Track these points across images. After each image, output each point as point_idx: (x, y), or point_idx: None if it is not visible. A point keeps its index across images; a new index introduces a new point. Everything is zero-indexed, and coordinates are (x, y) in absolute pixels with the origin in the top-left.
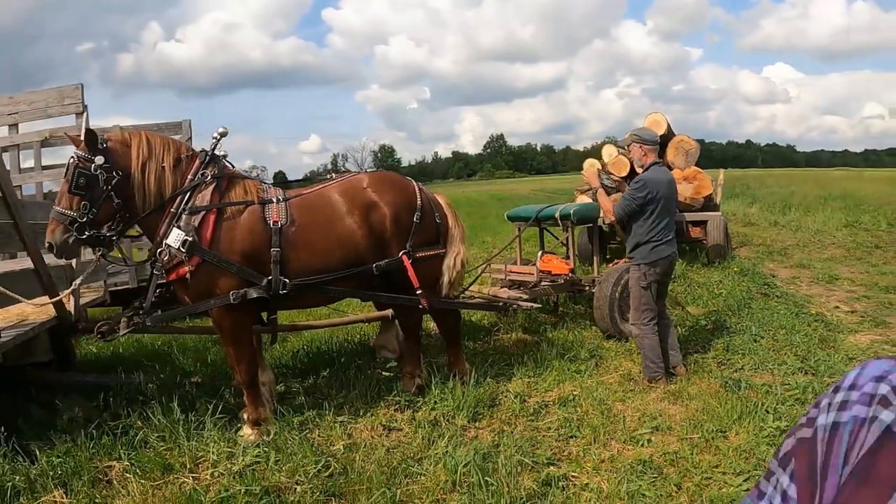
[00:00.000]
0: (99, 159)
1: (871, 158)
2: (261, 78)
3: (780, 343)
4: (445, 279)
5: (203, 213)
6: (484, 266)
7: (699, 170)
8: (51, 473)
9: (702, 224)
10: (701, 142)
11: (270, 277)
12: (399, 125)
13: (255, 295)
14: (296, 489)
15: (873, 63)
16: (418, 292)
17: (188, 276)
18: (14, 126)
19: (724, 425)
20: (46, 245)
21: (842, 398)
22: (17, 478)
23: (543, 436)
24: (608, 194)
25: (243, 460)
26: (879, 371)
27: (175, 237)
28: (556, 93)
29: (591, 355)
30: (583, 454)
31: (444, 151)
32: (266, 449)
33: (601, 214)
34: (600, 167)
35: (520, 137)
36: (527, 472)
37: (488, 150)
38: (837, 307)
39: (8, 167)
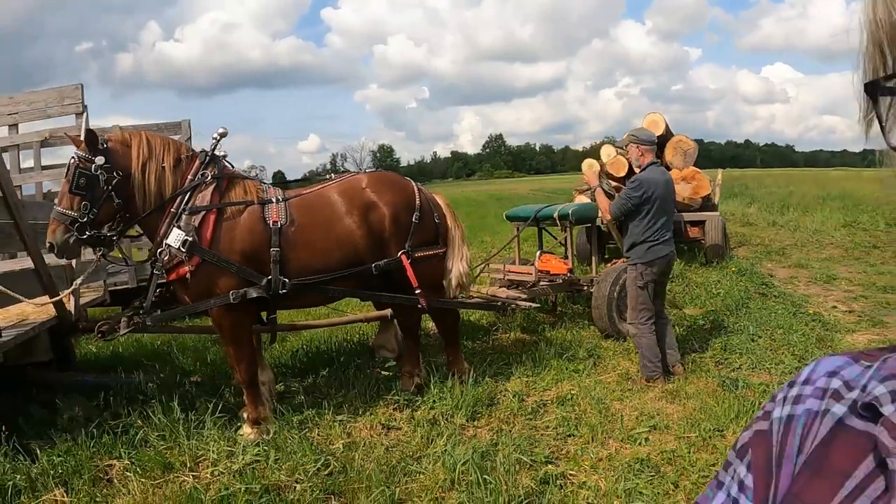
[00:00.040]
0: (99, 160)
1: (870, 158)
2: (260, 78)
3: (777, 342)
4: (455, 283)
5: (203, 213)
6: (482, 266)
7: (697, 170)
8: (51, 472)
9: (700, 224)
10: (700, 142)
11: (270, 277)
12: (398, 125)
13: (254, 294)
14: (295, 487)
15: None
16: (417, 292)
17: (188, 275)
18: (14, 126)
19: (721, 424)
20: (47, 245)
21: (796, 392)
22: (18, 476)
23: (542, 434)
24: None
25: (243, 459)
26: (832, 367)
27: (175, 237)
28: (555, 92)
29: (590, 355)
30: (581, 453)
31: (443, 151)
32: (266, 448)
33: (599, 214)
34: (599, 169)
35: (519, 137)
36: (525, 471)
37: (487, 150)
38: (835, 307)
39: (8, 167)
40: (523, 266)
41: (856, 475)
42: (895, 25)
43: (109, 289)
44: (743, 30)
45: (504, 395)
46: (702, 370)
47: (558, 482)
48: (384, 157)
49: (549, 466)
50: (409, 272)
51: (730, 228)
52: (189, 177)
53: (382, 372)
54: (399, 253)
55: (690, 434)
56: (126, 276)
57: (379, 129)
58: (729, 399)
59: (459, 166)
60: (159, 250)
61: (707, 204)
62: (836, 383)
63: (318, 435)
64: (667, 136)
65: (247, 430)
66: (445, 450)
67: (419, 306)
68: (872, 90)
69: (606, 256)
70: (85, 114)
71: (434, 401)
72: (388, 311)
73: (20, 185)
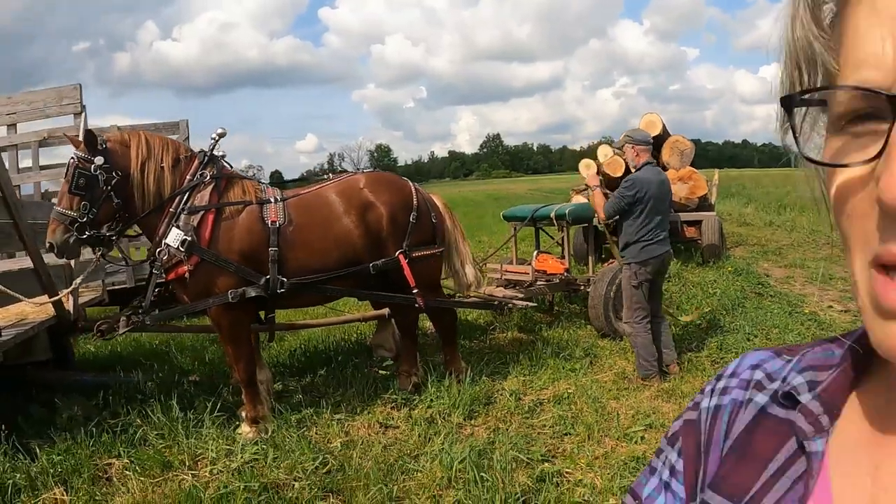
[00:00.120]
0: (98, 160)
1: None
2: (257, 77)
3: (773, 342)
4: (472, 284)
5: (202, 212)
6: (480, 265)
7: (694, 170)
8: (51, 471)
9: (697, 224)
10: (697, 141)
11: (268, 276)
12: (395, 124)
13: (253, 294)
14: (294, 486)
15: None
16: (414, 291)
17: (187, 275)
18: (12, 126)
19: None
20: (47, 245)
21: (723, 385)
22: (18, 475)
23: (538, 433)
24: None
25: (242, 457)
26: (756, 360)
27: (174, 237)
28: (552, 92)
29: (586, 354)
30: (577, 451)
31: (441, 151)
32: (264, 446)
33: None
34: (597, 169)
35: (516, 137)
36: (522, 469)
37: (485, 150)
38: (831, 306)
39: (6, 167)
40: (520, 266)
41: (777, 458)
42: (811, 44)
43: (108, 288)
44: (740, 30)
45: (501, 394)
46: (697, 369)
47: (555, 480)
48: (381, 157)
49: (546, 464)
50: (407, 272)
51: (726, 228)
52: (188, 177)
53: (380, 371)
54: (396, 253)
55: None
56: (124, 275)
57: (376, 128)
58: None
59: (457, 166)
60: (158, 250)
61: (704, 204)
62: (759, 375)
63: (317, 433)
64: (664, 136)
65: (245, 429)
66: (443, 448)
67: (416, 306)
68: (788, 103)
69: (603, 256)
70: (83, 114)
71: (431, 400)
72: (386, 311)
73: (19, 185)
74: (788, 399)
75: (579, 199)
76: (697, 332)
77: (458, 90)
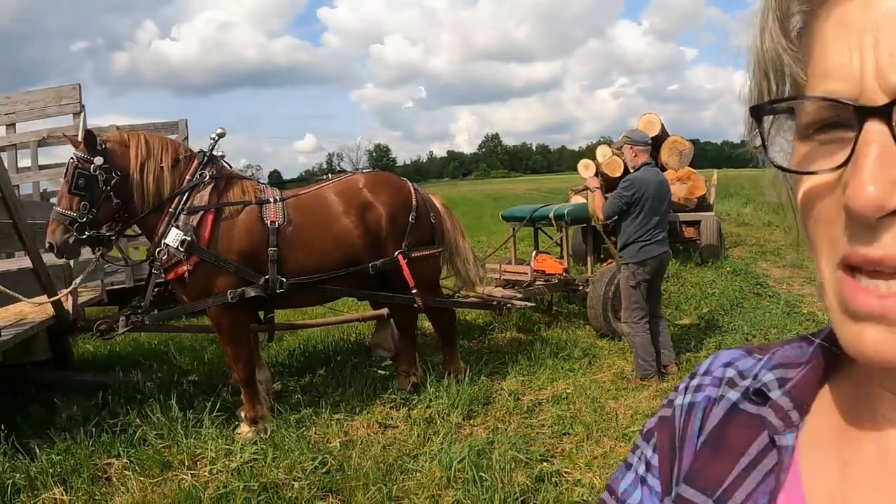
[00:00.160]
0: (98, 160)
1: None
2: (256, 77)
3: (771, 342)
4: (474, 281)
5: (201, 212)
6: (479, 264)
7: (693, 170)
8: (50, 471)
9: (695, 224)
10: (696, 142)
11: (268, 277)
12: (394, 124)
13: (252, 294)
14: (293, 485)
15: None
16: (413, 291)
17: (186, 275)
18: (11, 126)
19: None
20: (47, 245)
21: (697, 382)
22: (18, 475)
23: (537, 433)
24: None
25: (241, 457)
26: (728, 359)
27: (173, 237)
28: (551, 92)
29: (585, 354)
30: (576, 451)
31: (440, 151)
32: (264, 446)
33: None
34: (596, 169)
35: (515, 137)
36: (520, 469)
37: (483, 150)
38: None
39: (5, 167)
40: (519, 266)
41: (749, 452)
42: (780, 56)
43: (107, 288)
44: (740, 30)
45: (500, 394)
46: None
47: (553, 480)
48: (380, 157)
49: (545, 464)
50: (406, 272)
51: (725, 228)
52: (187, 177)
53: (379, 371)
54: (396, 253)
55: None
56: (123, 275)
57: (375, 128)
58: None
59: (455, 166)
60: (157, 250)
61: (702, 204)
62: (731, 372)
63: (316, 433)
64: (663, 136)
65: (244, 429)
66: (442, 448)
67: (415, 306)
68: (758, 112)
69: (602, 256)
70: (82, 113)
71: (430, 399)
72: (385, 311)
73: (17, 185)
74: (759, 395)
75: (578, 200)
76: (696, 333)
77: (456, 90)
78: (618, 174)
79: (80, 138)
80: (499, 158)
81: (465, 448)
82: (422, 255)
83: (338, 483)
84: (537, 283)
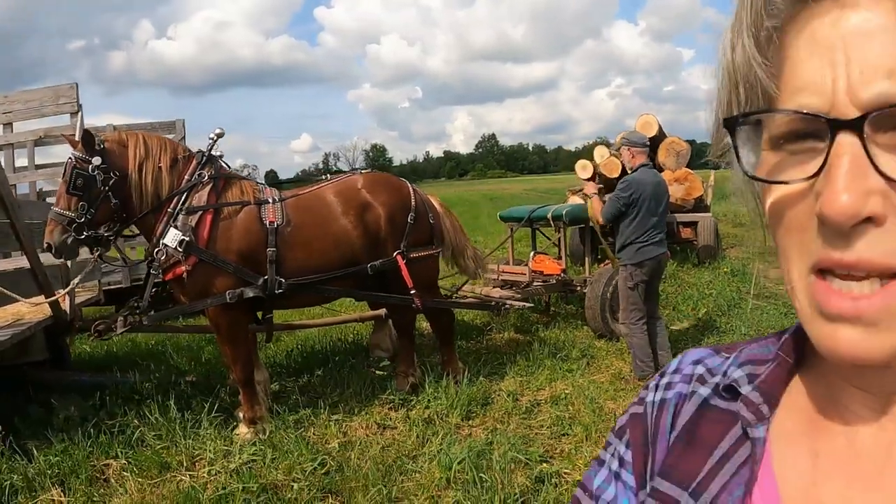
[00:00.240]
0: (96, 160)
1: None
2: (253, 76)
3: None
4: (473, 271)
5: (200, 213)
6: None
7: (690, 171)
8: (48, 472)
9: (692, 225)
10: (692, 142)
11: (266, 277)
12: (391, 124)
13: (251, 294)
14: (293, 486)
15: None
16: (412, 292)
17: (185, 275)
18: (8, 125)
19: None
20: (45, 245)
21: (667, 380)
22: (15, 476)
23: (536, 433)
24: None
25: (240, 458)
26: (697, 357)
27: (172, 237)
28: (547, 93)
29: (583, 355)
30: (575, 451)
31: (436, 151)
32: (262, 447)
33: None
34: (593, 170)
35: (511, 137)
36: (520, 469)
37: (480, 150)
38: None
39: (3, 166)
40: (517, 266)
41: (721, 446)
42: (752, 69)
43: (104, 288)
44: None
45: (498, 395)
46: None
47: (553, 480)
48: (377, 157)
49: (544, 465)
50: (405, 272)
51: (722, 229)
52: (186, 177)
53: (377, 371)
54: (394, 253)
55: None
56: (120, 275)
57: (372, 128)
58: None
59: (452, 166)
60: (156, 250)
61: (699, 205)
62: (700, 370)
63: (314, 434)
64: (660, 137)
65: (243, 430)
66: (441, 449)
67: (414, 306)
68: (731, 124)
69: (599, 257)
70: (80, 113)
71: (429, 400)
72: (383, 311)
73: (14, 185)
74: (729, 391)
75: (576, 200)
76: (693, 333)
77: (453, 90)
78: (615, 175)
79: (77, 138)
80: (495, 159)
81: (465, 449)
82: (420, 255)
83: (337, 484)
84: (535, 283)
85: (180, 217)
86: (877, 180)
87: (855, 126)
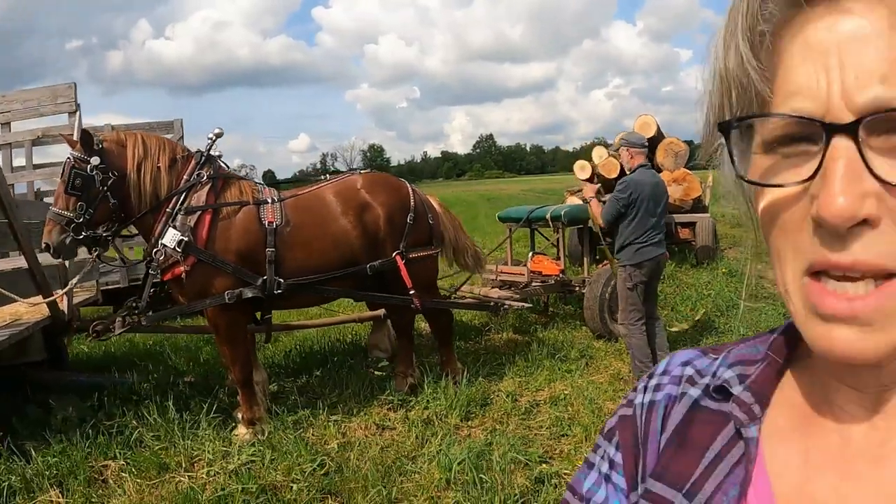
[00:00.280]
0: (95, 160)
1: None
2: (250, 76)
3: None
4: (478, 262)
5: (198, 213)
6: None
7: (688, 171)
8: (46, 473)
9: (691, 226)
10: (690, 143)
11: (265, 277)
12: (388, 124)
13: (250, 295)
14: (292, 487)
15: None
16: (411, 292)
17: (183, 275)
18: (6, 124)
19: None
20: (43, 245)
21: (656, 382)
22: (13, 477)
23: (535, 434)
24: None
25: (239, 459)
26: (685, 358)
27: (171, 237)
28: (545, 93)
29: (582, 355)
30: (574, 452)
31: (434, 151)
32: (261, 448)
33: (591, 220)
34: (592, 171)
35: (509, 137)
36: (520, 470)
37: (477, 150)
38: None
39: (0, 166)
40: (516, 267)
41: (714, 446)
42: (745, 73)
43: (101, 288)
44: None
45: (497, 396)
46: None
47: (553, 481)
48: (374, 157)
49: (544, 466)
50: (404, 273)
51: (720, 230)
52: (185, 177)
53: (376, 372)
54: (393, 254)
55: None
56: (118, 275)
57: (369, 128)
58: None
59: (450, 166)
60: (154, 250)
61: (698, 205)
62: (689, 371)
63: (313, 435)
64: (658, 137)
65: (242, 431)
66: (440, 449)
67: (413, 307)
68: (725, 128)
69: (598, 257)
70: (78, 112)
71: (428, 401)
72: (382, 311)
73: (12, 184)
74: (720, 392)
75: (574, 201)
76: (692, 334)
77: (451, 90)
78: (614, 175)
79: (76, 138)
80: (493, 159)
81: (464, 450)
82: (419, 255)
83: (336, 485)
84: (534, 284)
85: (179, 217)
86: (872, 183)
87: (850, 130)
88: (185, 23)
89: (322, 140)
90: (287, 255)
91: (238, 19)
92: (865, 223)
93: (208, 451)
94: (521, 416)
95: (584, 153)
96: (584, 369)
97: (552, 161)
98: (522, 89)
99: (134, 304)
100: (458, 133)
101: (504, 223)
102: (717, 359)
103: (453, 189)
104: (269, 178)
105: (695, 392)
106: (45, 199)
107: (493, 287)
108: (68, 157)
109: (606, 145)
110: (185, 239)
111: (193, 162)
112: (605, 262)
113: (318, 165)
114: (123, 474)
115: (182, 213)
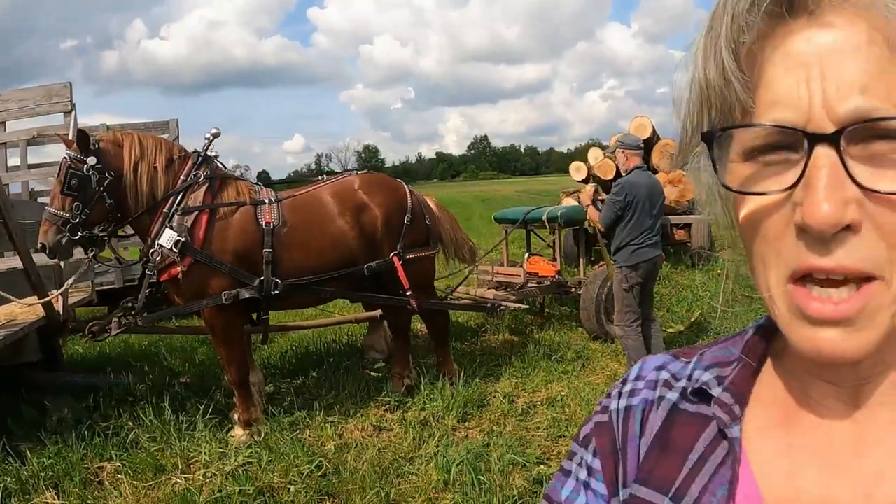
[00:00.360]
0: (91, 160)
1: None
2: (245, 76)
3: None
4: (473, 255)
5: (195, 213)
6: (471, 267)
7: (684, 173)
8: (42, 474)
9: (686, 227)
10: None
11: (262, 278)
12: (383, 125)
13: (247, 295)
14: (289, 489)
15: None
16: (408, 293)
17: (180, 276)
18: (1, 124)
19: None
20: (39, 246)
21: (630, 388)
22: (9, 479)
23: (533, 435)
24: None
25: (235, 460)
26: (659, 363)
27: (167, 237)
28: (540, 94)
29: (578, 356)
30: None
31: (428, 152)
32: (258, 449)
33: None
34: (595, 189)
35: (504, 138)
36: (518, 471)
37: (472, 151)
38: None
39: None
40: (512, 268)
41: (696, 449)
42: (726, 83)
43: (97, 289)
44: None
45: (494, 397)
46: None
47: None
48: (369, 158)
49: (541, 467)
50: (401, 273)
51: (715, 231)
52: (181, 177)
53: (372, 373)
54: (391, 254)
55: None
56: (113, 276)
57: (364, 129)
58: None
59: (444, 167)
60: (151, 251)
61: (693, 207)
62: (664, 375)
63: (310, 436)
64: (654, 139)
65: (238, 432)
66: (438, 451)
67: (409, 307)
68: (709, 137)
69: (593, 259)
70: (73, 112)
71: (425, 402)
72: (378, 312)
73: (7, 184)
74: (698, 395)
75: (569, 202)
76: (688, 335)
77: (446, 91)
78: (609, 177)
79: (72, 137)
80: (487, 160)
81: (462, 451)
82: (417, 256)
83: (334, 487)
84: (530, 285)
85: (176, 217)
86: (853, 190)
87: (832, 139)
88: (180, 22)
89: (317, 141)
90: (284, 255)
91: (233, 19)
92: (848, 228)
93: (205, 453)
94: (519, 418)
95: (579, 154)
96: (581, 370)
97: (547, 162)
98: (517, 90)
99: (130, 305)
100: (452, 134)
101: (500, 224)
102: (689, 362)
103: (448, 190)
104: (264, 179)
105: (672, 396)
106: (40, 199)
107: (489, 288)
108: (64, 157)
109: (602, 147)
110: (182, 239)
111: (190, 162)
112: (601, 263)
113: (313, 166)
114: (119, 476)
115: (179, 213)
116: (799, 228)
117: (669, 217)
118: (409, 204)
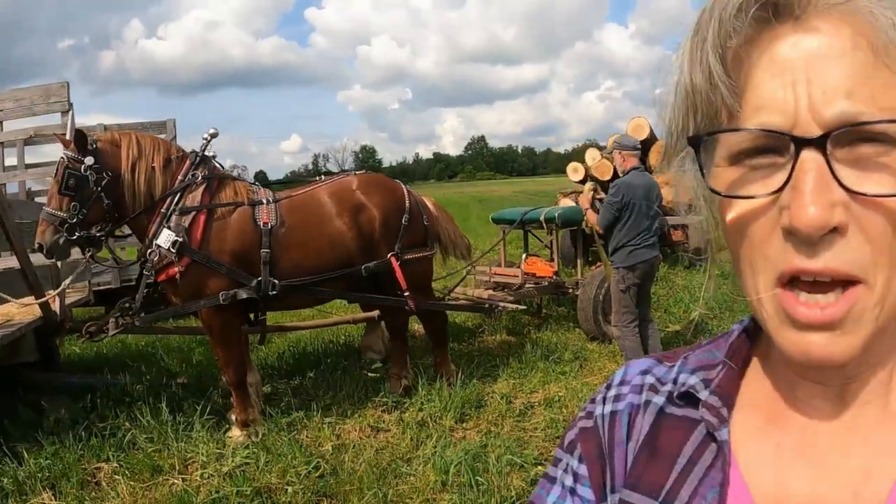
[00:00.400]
0: (89, 160)
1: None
2: (243, 76)
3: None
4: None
5: (193, 213)
6: (468, 268)
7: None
8: (39, 475)
9: (683, 227)
10: None
11: (260, 278)
12: (380, 126)
13: (244, 296)
14: (287, 490)
15: None
16: (405, 294)
17: (178, 276)
18: None
19: None
20: (37, 246)
21: (615, 392)
22: (6, 480)
23: (530, 436)
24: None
25: (233, 461)
26: (643, 367)
27: (165, 238)
28: (537, 95)
29: (576, 357)
30: None
31: (425, 153)
32: (255, 450)
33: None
34: (594, 188)
35: (501, 139)
36: (515, 472)
37: (469, 152)
38: None
39: None
40: (509, 268)
41: (685, 452)
42: (714, 87)
43: (94, 289)
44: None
45: (492, 397)
46: None
47: None
48: (366, 158)
49: (539, 468)
50: (398, 274)
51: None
52: (179, 177)
53: (370, 374)
54: (388, 255)
55: None
56: (110, 276)
57: (362, 129)
58: None
59: (441, 168)
60: (149, 251)
61: (690, 208)
62: (650, 379)
63: (308, 437)
64: (651, 140)
65: (236, 433)
66: (435, 451)
67: (407, 308)
68: (696, 141)
69: (591, 259)
70: (70, 112)
71: (422, 403)
72: (375, 313)
73: (4, 184)
74: (685, 398)
75: (567, 202)
76: (685, 336)
77: (443, 92)
78: (607, 177)
79: (69, 137)
80: (484, 161)
81: (460, 452)
82: (414, 257)
83: (332, 487)
84: (527, 285)
85: (173, 217)
86: (840, 193)
87: (819, 143)
88: (178, 22)
89: (314, 141)
90: (282, 255)
91: (230, 19)
92: (835, 231)
93: (202, 454)
94: (516, 418)
95: (577, 155)
96: (578, 371)
97: (544, 163)
98: (514, 91)
99: (127, 305)
100: (449, 135)
101: (497, 225)
102: (673, 366)
103: (445, 190)
104: (261, 179)
105: (659, 400)
106: (37, 199)
107: (486, 289)
108: (62, 157)
109: (599, 147)
110: (180, 239)
111: (188, 162)
112: (599, 264)
113: (310, 167)
114: (116, 476)
115: (177, 213)
116: (786, 231)
117: (666, 218)
118: (407, 204)
